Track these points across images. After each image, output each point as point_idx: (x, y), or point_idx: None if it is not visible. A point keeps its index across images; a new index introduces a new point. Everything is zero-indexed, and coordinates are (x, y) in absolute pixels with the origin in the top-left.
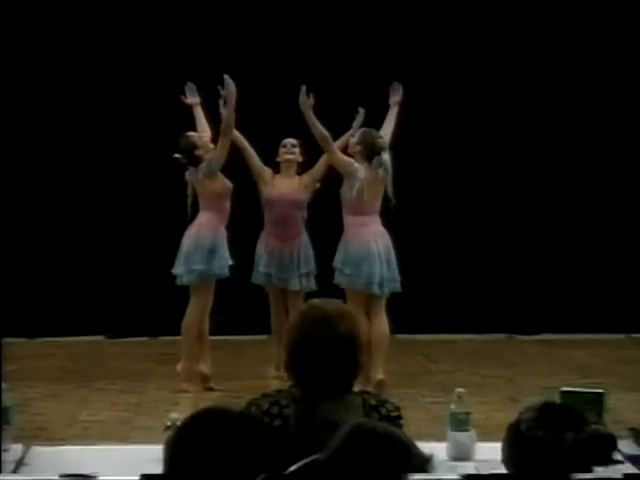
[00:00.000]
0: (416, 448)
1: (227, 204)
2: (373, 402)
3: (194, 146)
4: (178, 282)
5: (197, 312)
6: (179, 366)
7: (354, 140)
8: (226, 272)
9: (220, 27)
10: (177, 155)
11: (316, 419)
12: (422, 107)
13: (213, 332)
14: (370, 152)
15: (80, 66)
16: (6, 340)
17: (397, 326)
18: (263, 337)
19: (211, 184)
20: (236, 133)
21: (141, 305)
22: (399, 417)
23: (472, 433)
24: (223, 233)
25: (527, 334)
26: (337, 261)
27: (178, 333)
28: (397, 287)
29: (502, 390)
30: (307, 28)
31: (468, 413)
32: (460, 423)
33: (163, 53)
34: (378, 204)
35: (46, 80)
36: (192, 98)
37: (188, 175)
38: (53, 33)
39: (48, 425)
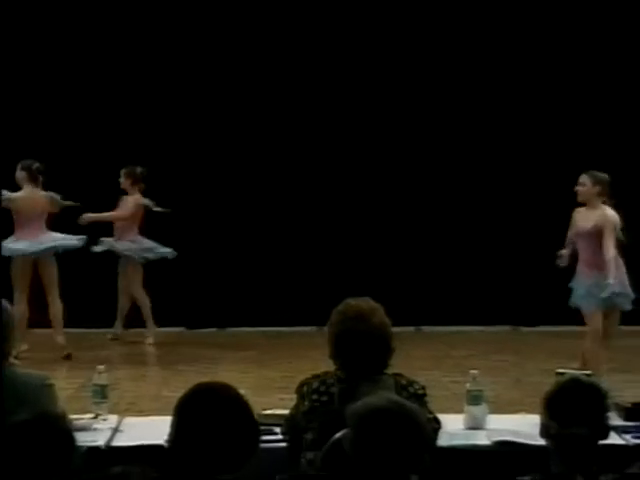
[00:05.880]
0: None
1: None
2: (403, 382)
3: None
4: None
5: None
6: None
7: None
8: None
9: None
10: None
11: (357, 396)
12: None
13: (260, 323)
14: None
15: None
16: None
17: (423, 320)
18: (308, 329)
19: None
20: None
21: (212, 300)
22: (425, 395)
23: (484, 407)
24: None
25: (530, 326)
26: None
27: (241, 325)
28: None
29: (509, 372)
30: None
31: (481, 391)
32: (475, 399)
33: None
34: None
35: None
36: None
37: None
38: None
39: (137, 400)
